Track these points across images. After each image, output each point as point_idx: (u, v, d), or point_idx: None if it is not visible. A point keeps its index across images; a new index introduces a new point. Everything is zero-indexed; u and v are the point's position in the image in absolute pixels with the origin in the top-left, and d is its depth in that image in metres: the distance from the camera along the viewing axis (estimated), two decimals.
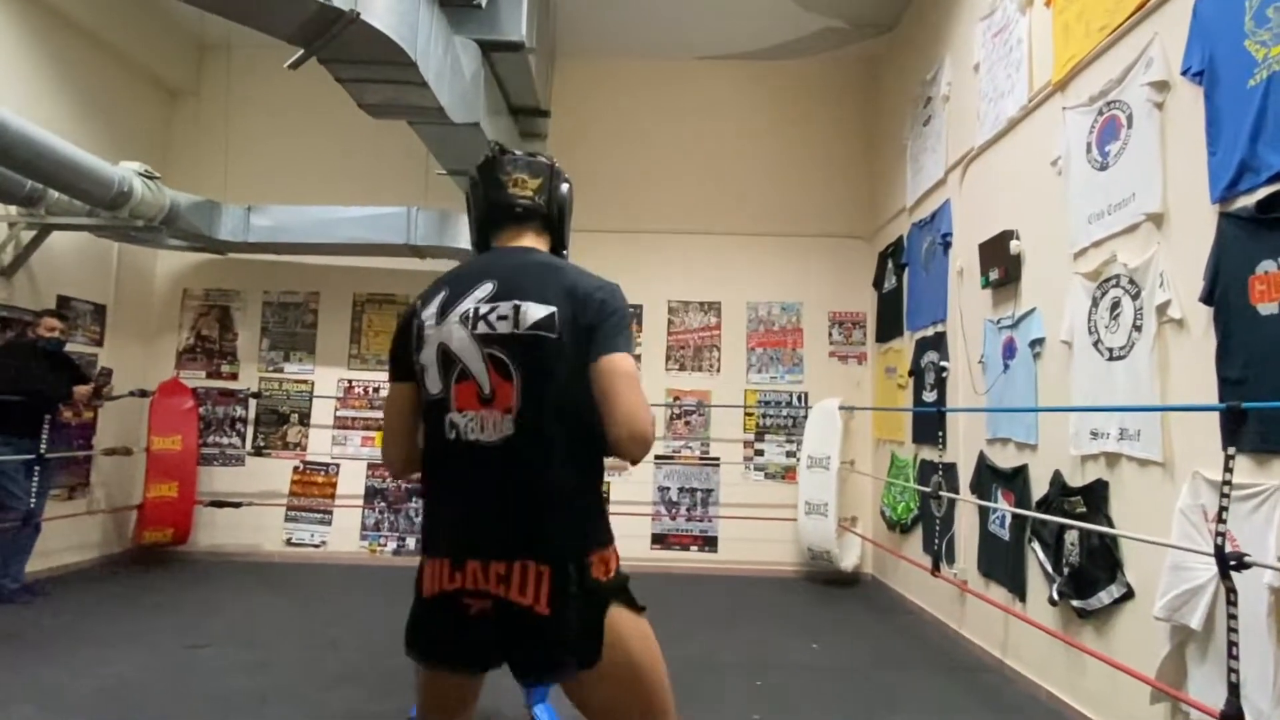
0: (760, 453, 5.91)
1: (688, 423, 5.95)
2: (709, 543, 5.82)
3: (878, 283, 5.72)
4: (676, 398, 5.96)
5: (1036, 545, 3.16)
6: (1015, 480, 3.42)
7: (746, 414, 5.94)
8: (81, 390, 4.57)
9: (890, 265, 5.44)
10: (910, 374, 4.84)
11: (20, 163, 3.74)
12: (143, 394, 5.47)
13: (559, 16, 5.58)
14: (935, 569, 4.07)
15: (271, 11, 3.02)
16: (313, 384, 5.98)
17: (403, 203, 5.33)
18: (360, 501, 5.86)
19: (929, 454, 4.41)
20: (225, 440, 5.95)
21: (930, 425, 4.36)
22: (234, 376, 6.02)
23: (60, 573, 4.88)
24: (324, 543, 5.81)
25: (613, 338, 1.34)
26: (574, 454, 1.34)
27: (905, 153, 5.14)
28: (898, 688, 3.29)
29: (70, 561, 5.08)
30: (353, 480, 5.89)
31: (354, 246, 5.38)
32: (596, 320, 1.34)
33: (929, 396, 4.51)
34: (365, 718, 2.80)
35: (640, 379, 1.37)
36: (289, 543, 5.82)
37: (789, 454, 5.86)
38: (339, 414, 5.97)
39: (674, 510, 5.87)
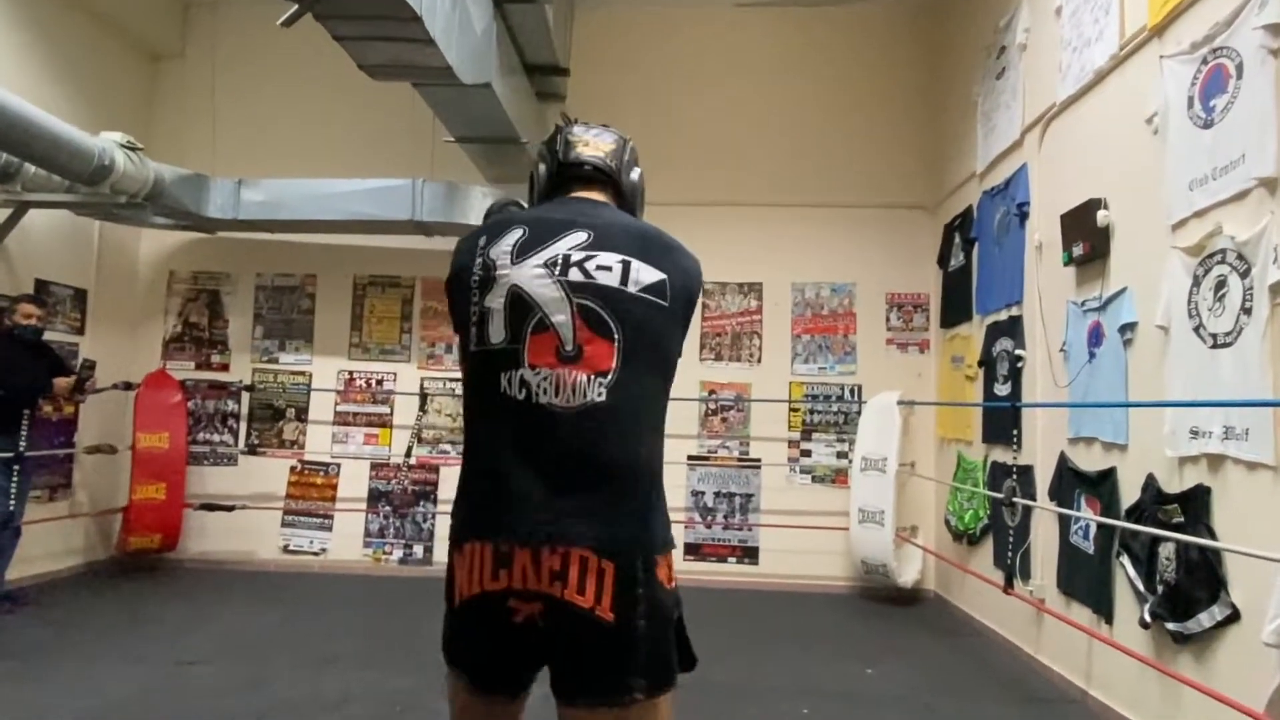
0: (807, 453, 5.88)
1: (725, 419, 5.95)
2: (749, 554, 5.83)
3: (943, 260, 5.65)
4: (712, 391, 5.96)
5: (1126, 560, 3.11)
6: (1102, 486, 3.36)
7: (791, 410, 5.91)
8: (62, 383, 4.71)
9: (958, 239, 5.36)
10: (980, 364, 4.78)
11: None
12: (127, 387, 5.63)
13: None
14: (1008, 586, 4.02)
15: None
16: (310, 376, 6.10)
17: (407, 174, 5.38)
18: (364, 505, 5.97)
19: (1001, 455, 4.36)
20: (216, 438, 6.09)
21: (1003, 423, 4.30)
22: (225, 368, 6.16)
23: (42, 580, 5.06)
24: (324, 550, 5.93)
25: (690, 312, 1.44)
26: (653, 437, 1.32)
27: (975, 110, 5.04)
28: (963, 719, 3.27)
29: (52, 569, 5.26)
30: (355, 482, 5.99)
31: (354, 224, 5.46)
32: (695, 293, 1.44)
33: (1002, 390, 4.44)
34: None
35: None
36: (286, 550, 5.95)
37: (840, 455, 5.83)
38: (339, 409, 6.08)
39: (709, 517, 5.88)
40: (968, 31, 5.35)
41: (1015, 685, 3.71)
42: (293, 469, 6.05)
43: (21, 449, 4.51)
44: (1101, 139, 3.54)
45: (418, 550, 5.89)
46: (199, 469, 6.01)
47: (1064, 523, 3.69)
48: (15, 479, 4.48)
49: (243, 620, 4.51)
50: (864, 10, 6.07)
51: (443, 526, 5.89)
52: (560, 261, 1.28)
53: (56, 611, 4.49)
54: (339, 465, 6.04)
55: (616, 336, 1.25)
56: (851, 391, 5.90)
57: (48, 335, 4.85)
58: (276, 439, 6.09)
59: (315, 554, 5.93)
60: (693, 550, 5.84)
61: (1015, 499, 4.00)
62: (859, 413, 5.75)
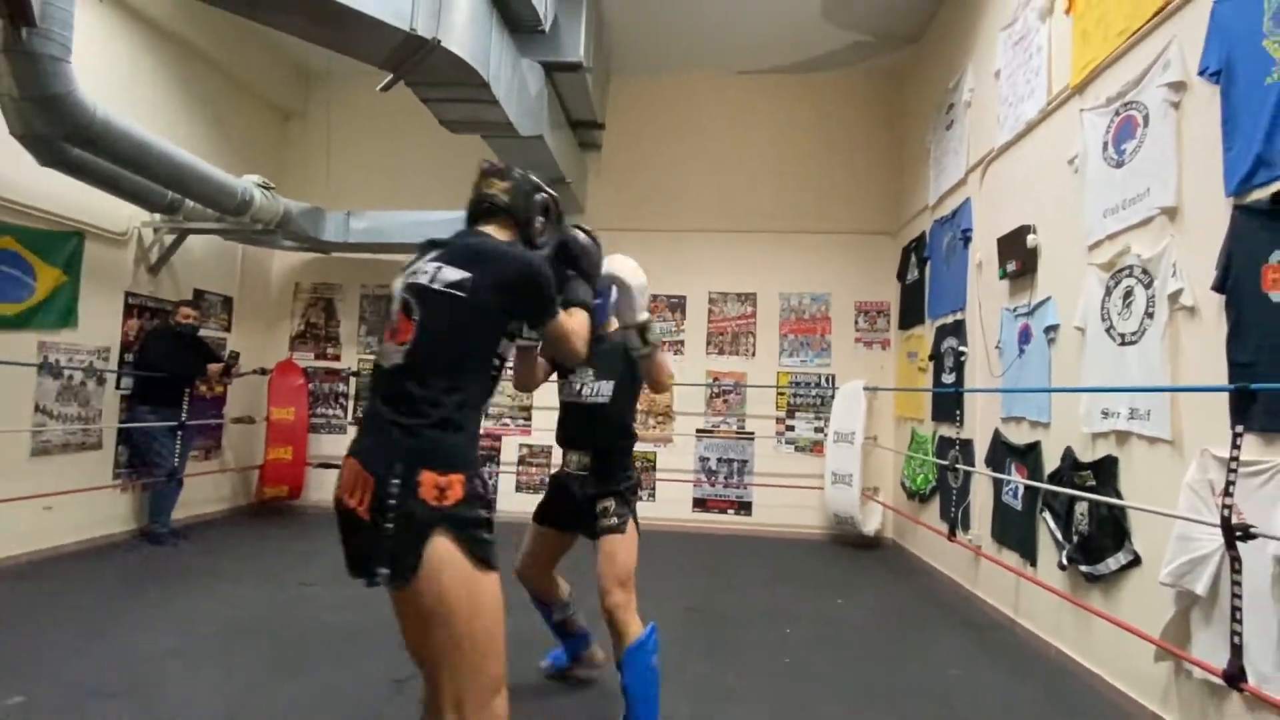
0: (791, 428, 5.84)
1: (726, 401, 5.92)
2: (744, 507, 5.80)
3: (901, 275, 5.56)
4: (716, 378, 5.93)
5: (1048, 515, 3.05)
6: (1028, 455, 3.29)
7: (779, 394, 5.87)
8: (214, 368, 4.81)
9: (913, 258, 5.27)
10: (930, 358, 4.70)
11: (162, 177, 3.93)
12: (263, 372, 5.73)
13: (613, 38, 5.54)
14: (951, 535, 3.96)
15: (365, 41, 3.09)
16: None
17: None
18: None
19: (947, 431, 4.29)
20: (330, 411, 6.19)
21: (949, 405, 4.23)
22: (337, 358, 6.24)
23: (198, 520, 5.18)
24: None
25: (544, 306, 1.51)
26: (449, 392, 1.38)
27: (928, 155, 4.95)
28: (915, 640, 3.23)
29: (206, 511, 5.38)
30: None
31: None
32: (525, 291, 1.47)
33: (948, 379, 4.38)
34: None
35: (564, 327, 1.57)
36: None
37: (817, 430, 5.77)
38: None
39: (713, 478, 5.86)
40: (922, 92, 5.25)
41: (957, 614, 3.66)
42: None
43: (183, 419, 4.62)
44: (1031, 177, 3.46)
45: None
46: (317, 436, 6.10)
47: (997, 485, 3.62)
48: (179, 442, 4.59)
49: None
50: (841, 76, 5.98)
51: (506, 483, 5.93)
52: (412, 272, 1.48)
53: (210, 544, 4.59)
54: None
55: (416, 318, 1.41)
56: (827, 380, 5.84)
57: (202, 332, 4.95)
58: None
59: None
60: (700, 504, 5.83)
61: (958, 466, 3.93)
62: (833, 396, 5.68)
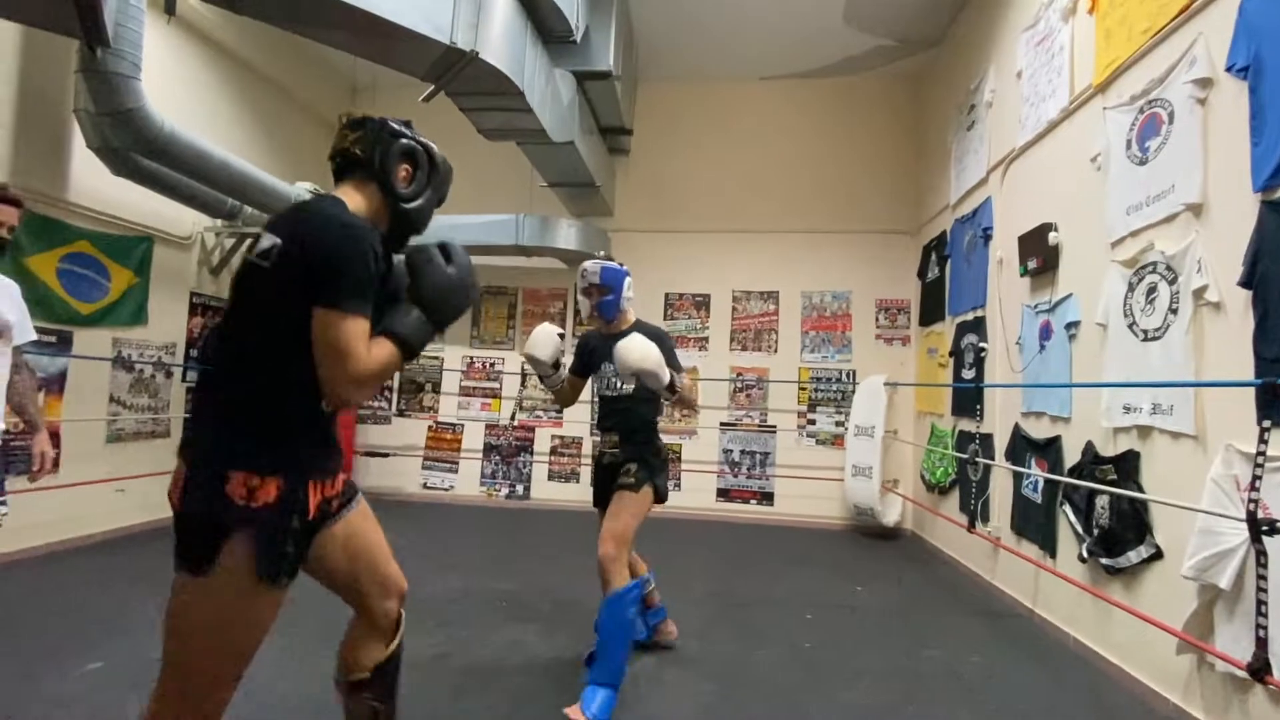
0: (812, 422, 5.77)
1: (748, 395, 5.88)
2: (766, 498, 5.76)
3: (922, 273, 5.45)
4: (739, 374, 5.89)
5: (1068, 508, 2.97)
6: (1049, 450, 3.21)
7: (800, 388, 5.81)
8: None
9: (934, 257, 5.16)
10: (951, 354, 4.60)
11: (222, 185, 4.06)
12: None
13: (641, 47, 5.53)
14: (971, 526, 3.88)
15: (407, 54, 3.13)
16: (442, 360, 6.25)
17: (512, 210, 5.46)
18: (480, 455, 6.11)
19: (967, 425, 4.20)
20: (376, 404, 6.31)
21: (969, 400, 4.14)
22: None
23: None
24: (451, 487, 6.10)
25: (323, 286, 1.11)
26: (257, 375, 1.16)
27: (949, 156, 4.84)
28: (934, 627, 3.17)
29: None
30: (474, 437, 6.14)
31: (473, 248, 5.52)
32: (313, 262, 1.13)
33: (968, 374, 4.28)
34: (469, 620, 2.94)
35: (344, 335, 1.10)
36: (424, 486, 6.14)
37: (838, 424, 5.70)
38: (463, 384, 6.22)
39: (736, 469, 5.83)
40: (943, 94, 5.13)
41: (975, 603, 3.59)
42: (429, 427, 6.23)
43: None
44: (1053, 175, 3.36)
45: (519, 489, 6.00)
46: (364, 426, 6.23)
47: (1017, 478, 3.54)
48: None
49: (393, 536, 4.64)
50: (863, 80, 5.88)
51: (539, 472, 5.98)
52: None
53: None
54: (463, 425, 6.18)
55: (234, 298, 1.21)
56: (848, 375, 5.75)
57: None
58: (418, 405, 6.27)
59: (445, 490, 6.10)
60: (723, 494, 5.80)
61: (977, 459, 3.85)
62: (854, 391, 5.61)
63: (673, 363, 2.28)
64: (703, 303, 6.00)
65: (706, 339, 5.96)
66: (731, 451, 5.85)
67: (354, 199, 1.31)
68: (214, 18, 4.64)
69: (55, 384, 3.82)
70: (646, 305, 6.03)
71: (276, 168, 5.09)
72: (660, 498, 2.42)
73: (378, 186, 1.34)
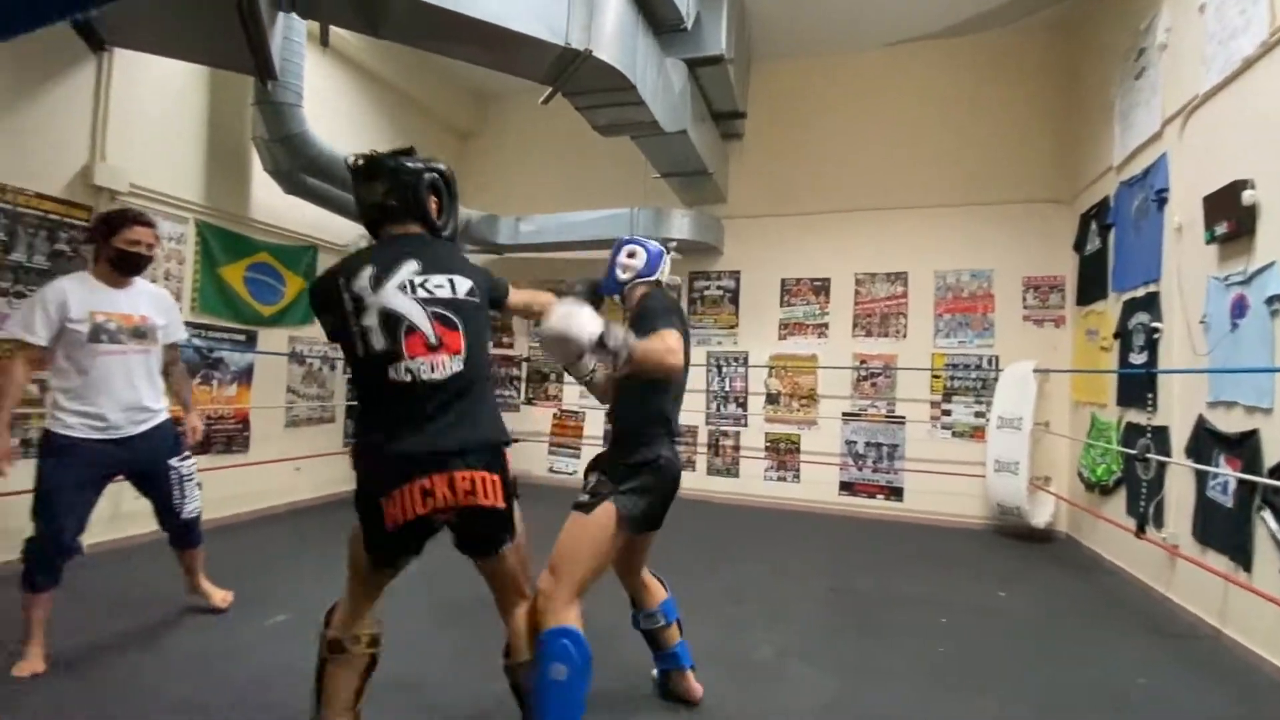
0: (947, 412, 5.38)
1: (874, 384, 5.60)
2: (894, 492, 5.46)
3: (1079, 245, 4.87)
4: (863, 361, 5.62)
5: (1268, 514, 2.54)
6: (1243, 446, 2.76)
7: (933, 376, 5.43)
8: None
9: (1093, 227, 4.59)
10: (1116, 336, 4.08)
11: None
12: None
13: (755, 27, 5.41)
14: (1140, 531, 3.44)
15: (525, 59, 3.31)
16: None
17: (626, 204, 5.59)
18: (601, 442, 6.35)
19: (1136, 417, 3.72)
20: (505, 393, 6.76)
21: (1139, 388, 3.66)
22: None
23: None
24: (575, 472, 6.40)
25: (504, 286, 1.76)
26: (490, 392, 1.62)
27: (1112, 111, 4.27)
28: (1090, 641, 2.86)
29: None
30: (595, 425, 6.39)
31: (590, 243, 5.77)
32: (490, 286, 1.67)
33: (1138, 358, 3.78)
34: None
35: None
36: (550, 470, 6.50)
37: (977, 414, 5.27)
38: None
39: (860, 462, 5.58)
40: (1102, 41, 4.52)
41: (1144, 618, 3.17)
42: (554, 415, 6.57)
43: None
44: (1248, 124, 2.86)
45: None
46: None
47: (1200, 478, 3.08)
48: None
49: (524, 516, 4.98)
50: (998, 36, 5.34)
51: (699, 464, 6.09)
52: (409, 285, 1.46)
53: None
54: (585, 413, 6.46)
55: (460, 329, 1.49)
56: (989, 361, 5.29)
57: None
58: (544, 394, 6.64)
59: (569, 474, 6.41)
60: (846, 487, 5.59)
61: (1149, 456, 3.40)
62: (996, 379, 5.15)
63: (646, 328, 1.74)
64: (822, 287, 5.79)
65: (826, 325, 5.75)
66: (855, 443, 5.61)
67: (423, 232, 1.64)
68: (358, 43, 5.17)
69: (244, 376, 4.50)
70: (762, 292, 5.93)
71: None
72: (632, 522, 1.81)
73: (419, 223, 1.62)
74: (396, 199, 1.57)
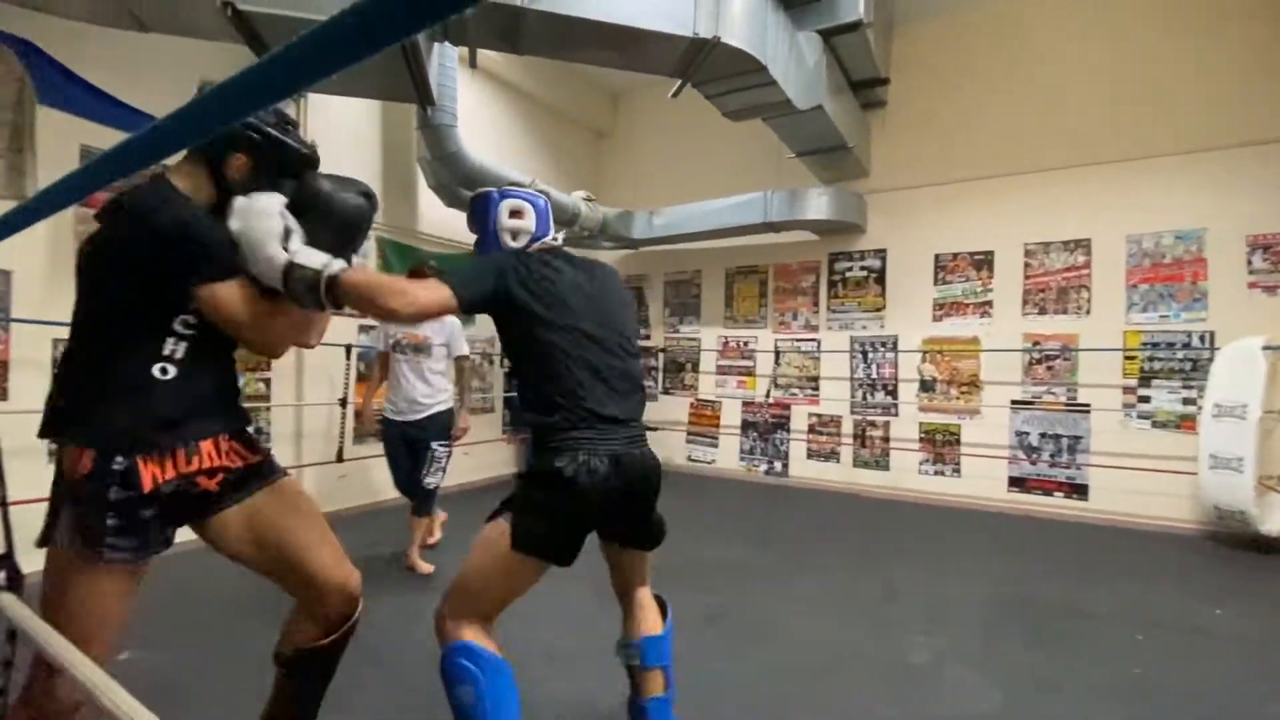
0: (1145, 399, 4.65)
1: (1050, 368, 4.98)
2: (1077, 490, 4.83)
3: None
4: (1035, 342, 5.03)
5: None
6: None
7: (1126, 357, 4.71)
8: None
9: None
10: None
11: None
12: None
13: None
14: None
15: (655, 55, 3.36)
16: (700, 340, 6.60)
17: (758, 188, 5.47)
18: (738, 431, 6.33)
19: None
20: (645, 381, 6.94)
21: None
22: (647, 337, 6.97)
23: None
24: (713, 461, 6.44)
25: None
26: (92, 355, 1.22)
27: None
28: None
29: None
30: (731, 414, 6.37)
31: (723, 230, 5.72)
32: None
33: None
34: (733, 587, 3.09)
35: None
36: (689, 459, 6.59)
37: (1185, 401, 4.49)
38: (719, 363, 6.49)
39: (1034, 455, 5.01)
40: None
41: None
42: (691, 404, 6.64)
43: None
44: None
45: (777, 465, 6.06)
46: None
47: None
48: None
49: (660, 503, 5.10)
50: None
51: (797, 450, 5.95)
52: None
53: None
54: (720, 402, 6.46)
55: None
56: (1201, 338, 4.48)
57: None
58: (680, 384, 6.74)
59: (708, 463, 6.46)
60: (1017, 483, 5.04)
61: None
62: (1211, 360, 4.35)
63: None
64: (983, 261, 5.25)
65: (989, 303, 5.21)
66: (1027, 435, 5.04)
67: (187, 183, 1.32)
68: (500, 60, 5.55)
69: None
70: (911, 269, 5.52)
71: (558, 180, 5.93)
72: (527, 547, 1.43)
73: (209, 175, 1.32)
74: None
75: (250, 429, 1.42)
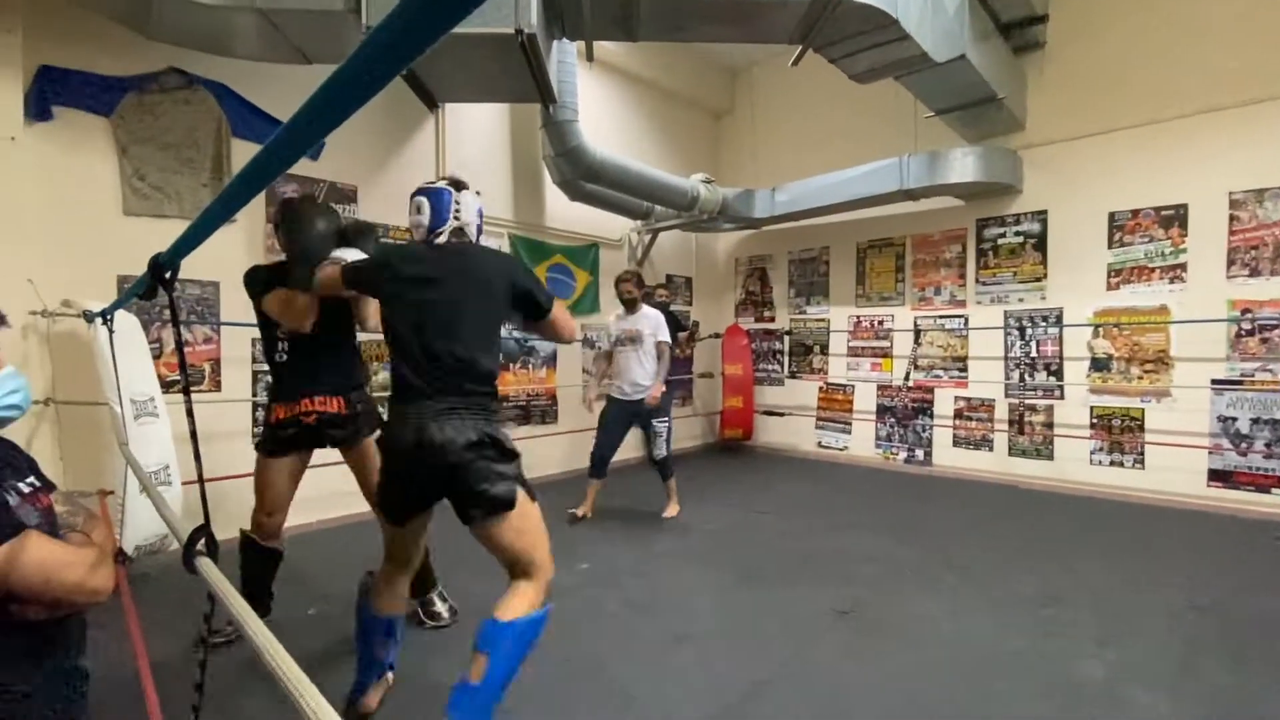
0: None
1: (1264, 341, 4.14)
2: None
3: None
4: (1244, 310, 4.20)
5: None
6: None
7: None
8: (682, 336, 5.79)
9: None
10: None
11: (639, 192, 4.92)
12: (716, 336, 6.64)
13: None
14: None
15: (774, 22, 3.20)
16: (829, 321, 6.28)
17: (893, 153, 5.05)
18: (873, 416, 5.95)
19: None
20: (770, 367, 6.77)
21: None
22: (772, 319, 6.76)
23: (681, 453, 6.35)
24: (845, 447, 6.12)
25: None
26: None
27: None
28: None
29: (685, 446, 6.58)
30: (865, 399, 6.01)
31: (854, 202, 5.36)
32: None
33: None
34: (874, 581, 2.90)
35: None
36: (819, 445, 6.32)
37: None
38: (851, 344, 6.13)
39: (1243, 445, 4.20)
40: None
41: None
42: (820, 388, 6.35)
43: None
44: None
45: (919, 453, 5.63)
46: (760, 388, 6.75)
47: None
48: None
49: (792, 489, 4.95)
50: None
51: (941, 437, 5.49)
52: None
53: (690, 472, 5.54)
54: (853, 386, 6.11)
55: None
56: None
57: (674, 306, 6.00)
58: (808, 367, 6.46)
59: (839, 449, 6.16)
60: (1220, 477, 4.26)
61: None
62: None
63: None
64: (1174, 217, 4.46)
65: (1182, 266, 4.43)
66: (1234, 420, 4.25)
67: None
68: (617, 50, 5.58)
69: (551, 361, 5.32)
70: (1078, 232, 4.84)
71: (672, 164, 5.89)
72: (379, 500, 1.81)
73: None
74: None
75: (355, 393, 2.36)
